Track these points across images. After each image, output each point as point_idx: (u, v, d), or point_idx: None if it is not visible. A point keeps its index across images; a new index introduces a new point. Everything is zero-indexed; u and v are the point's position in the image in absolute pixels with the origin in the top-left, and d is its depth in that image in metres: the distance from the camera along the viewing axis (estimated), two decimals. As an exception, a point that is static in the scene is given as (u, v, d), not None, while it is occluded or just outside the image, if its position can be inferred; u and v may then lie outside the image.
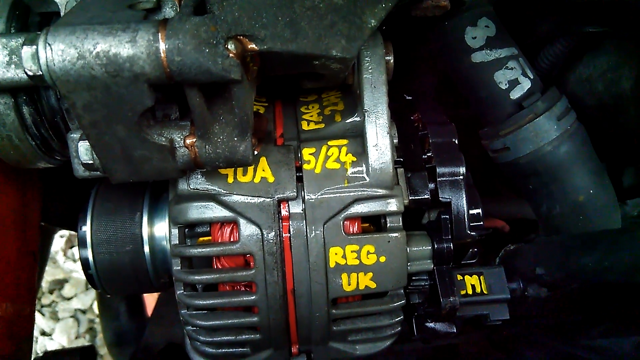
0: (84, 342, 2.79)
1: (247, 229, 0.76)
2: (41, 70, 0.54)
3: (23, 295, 0.94)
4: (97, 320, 2.79)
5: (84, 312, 2.90)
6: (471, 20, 0.93)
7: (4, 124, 0.72)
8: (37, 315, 2.78)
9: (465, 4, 0.77)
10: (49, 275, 2.94)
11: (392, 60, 0.80)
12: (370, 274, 0.78)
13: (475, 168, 0.90)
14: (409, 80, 1.15)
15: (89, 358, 1.26)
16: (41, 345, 2.74)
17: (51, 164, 0.82)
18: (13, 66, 0.66)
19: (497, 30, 0.94)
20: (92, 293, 2.89)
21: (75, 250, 3.03)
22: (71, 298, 2.94)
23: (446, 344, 1.38)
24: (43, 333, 2.81)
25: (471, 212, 0.84)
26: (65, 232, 3.00)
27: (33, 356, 1.01)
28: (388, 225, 0.79)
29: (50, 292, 2.96)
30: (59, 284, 2.97)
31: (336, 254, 0.77)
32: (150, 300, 1.91)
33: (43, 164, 0.81)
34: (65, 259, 3.02)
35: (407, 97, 0.95)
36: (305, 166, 0.78)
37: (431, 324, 0.91)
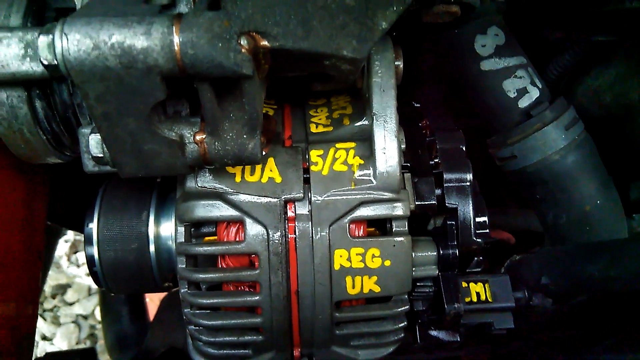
0: (84, 347, 2.78)
1: (253, 229, 0.76)
2: (56, 60, 0.55)
3: (27, 294, 0.94)
4: (99, 326, 2.78)
5: (85, 317, 2.89)
6: (481, 28, 0.94)
7: (16, 117, 0.73)
8: (39, 319, 2.77)
9: (476, 10, 0.78)
10: (52, 279, 2.95)
11: (401, 65, 0.80)
12: (374, 278, 0.78)
13: (481, 179, 0.90)
14: (417, 89, 1.16)
15: (89, 360, 1.26)
16: (41, 349, 2.74)
17: (61, 160, 0.83)
18: (28, 59, 0.67)
19: (506, 39, 0.94)
20: (95, 299, 2.89)
21: (79, 255, 3.04)
22: (73, 303, 2.94)
23: (449, 356, 1.36)
24: (44, 337, 2.81)
25: (477, 219, 0.84)
26: (70, 237, 3.01)
27: (33, 359, 1.00)
28: (394, 229, 0.79)
29: (53, 296, 2.96)
30: (62, 288, 2.97)
31: (341, 256, 0.77)
32: (152, 305, 1.91)
33: (53, 159, 0.82)
34: (69, 264, 3.02)
35: (416, 104, 0.95)
36: (312, 168, 0.79)
37: (435, 332, 0.90)
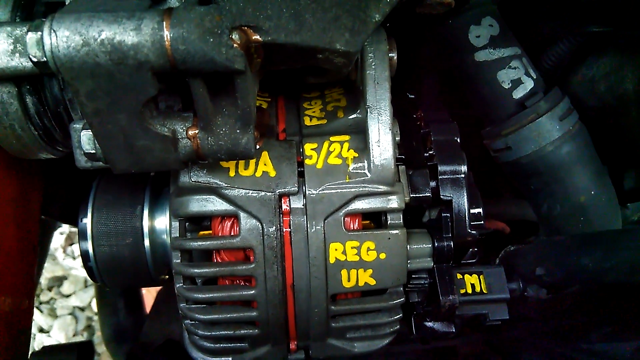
0: (81, 339, 2.78)
1: (248, 223, 0.76)
2: (45, 57, 0.54)
3: (22, 288, 0.94)
4: (96, 318, 2.79)
5: (82, 309, 2.89)
6: (475, 19, 0.94)
7: (7, 113, 0.72)
8: (36, 312, 2.77)
9: (469, 1, 0.77)
10: (48, 272, 2.94)
11: (395, 57, 0.80)
12: (370, 271, 0.78)
13: (476, 169, 0.90)
14: (411, 79, 1.15)
15: (86, 353, 1.26)
16: (39, 342, 2.74)
17: (53, 155, 0.82)
18: (17, 55, 0.66)
19: (500, 29, 0.94)
20: (91, 290, 2.89)
21: (75, 247, 3.04)
22: (70, 295, 2.94)
23: (445, 345, 1.37)
24: (41, 330, 2.81)
25: (472, 211, 0.84)
26: (65, 229, 3.00)
27: (30, 352, 1.00)
28: (389, 222, 0.79)
29: (49, 289, 2.96)
30: (58, 281, 2.97)
31: (336, 249, 0.77)
32: (148, 297, 1.91)
33: (45, 155, 0.81)
34: (65, 256, 3.02)
35: (410, 96, 0.95)
36: (306, 161, 0.78)
37: (430, 323, 0.91)
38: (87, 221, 0.86)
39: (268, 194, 0.76)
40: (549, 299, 0.96)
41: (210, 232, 0.80)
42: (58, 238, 3.01)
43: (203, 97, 0.61)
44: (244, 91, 0.62)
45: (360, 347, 0.87)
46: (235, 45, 0.56)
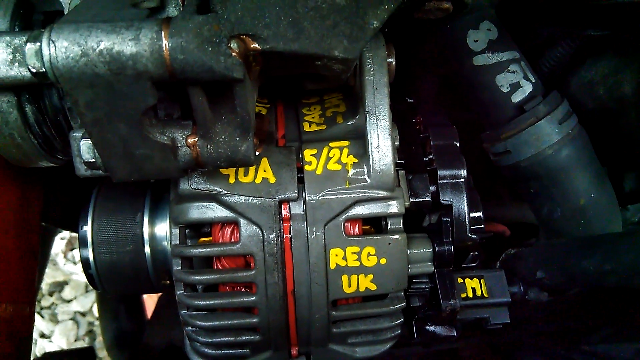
0: (83, 344, 2.78)
1: (248, 230, 0.76)
2: (44, 68, 0.54)
3: (23, 295, 0.94)
4: (97, 323, 2.78)
5: (83, 314, 2.89)
6: (473, 23, 0.93)
7: (6, 122, 0.73)
8: (37, 317, 2.77)
9: (468, 6, 0.77)
10: (49, 277, 2.94)
11: (394, 62, 0.80)
12: (370, 276, 0.78)
13: (476, 171, 0.90)
14: (410, 82, 1.15)
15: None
16: (40, 347, 2.73)
17: (53, 163, 0.83)
18: (16, 64, 0.66)
19: (499, 33, 0.94)
20: (92, 295, 2.89)
21: (76, 252, 3.03)
22: (71, 300, 2.93)
23: (446, 348, 1.37)
24: (42, 335, 2.81)
25: (472, 215, 0.84)
26: (66, 234, 3.00)
27: (32, 358, 1.00)
28: (389, 227, 0.79)
29: (50, 294, 2.96)
30: (59, 286, 2.97)
31: (337, 255, 0.77)
32: (149, 302, 1.91)
33: (45, 163, 0.82)
34: (66, 261, 3.01)
35: (409, 100, 0.95)
36: (306, 167, 0.78)
37: (431, 327, 0.91)
38: (88, 229, 0.86)
39: (268, 200, 0.76)
40: (550, 302, 0.96)
41: (211, 238, 0.80)
42: (59, 243, 3.01)
43: (202, 105, 0.62)
44: (243, 99, 0.62)
45: (361, 352, 0.87)
46: (233, 54, 0.56)
